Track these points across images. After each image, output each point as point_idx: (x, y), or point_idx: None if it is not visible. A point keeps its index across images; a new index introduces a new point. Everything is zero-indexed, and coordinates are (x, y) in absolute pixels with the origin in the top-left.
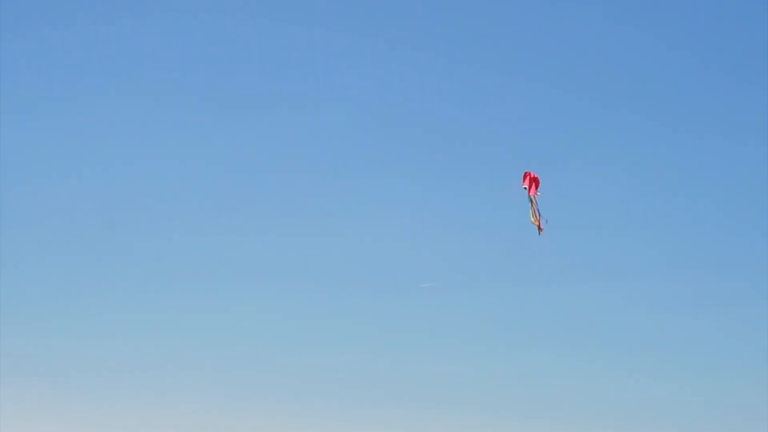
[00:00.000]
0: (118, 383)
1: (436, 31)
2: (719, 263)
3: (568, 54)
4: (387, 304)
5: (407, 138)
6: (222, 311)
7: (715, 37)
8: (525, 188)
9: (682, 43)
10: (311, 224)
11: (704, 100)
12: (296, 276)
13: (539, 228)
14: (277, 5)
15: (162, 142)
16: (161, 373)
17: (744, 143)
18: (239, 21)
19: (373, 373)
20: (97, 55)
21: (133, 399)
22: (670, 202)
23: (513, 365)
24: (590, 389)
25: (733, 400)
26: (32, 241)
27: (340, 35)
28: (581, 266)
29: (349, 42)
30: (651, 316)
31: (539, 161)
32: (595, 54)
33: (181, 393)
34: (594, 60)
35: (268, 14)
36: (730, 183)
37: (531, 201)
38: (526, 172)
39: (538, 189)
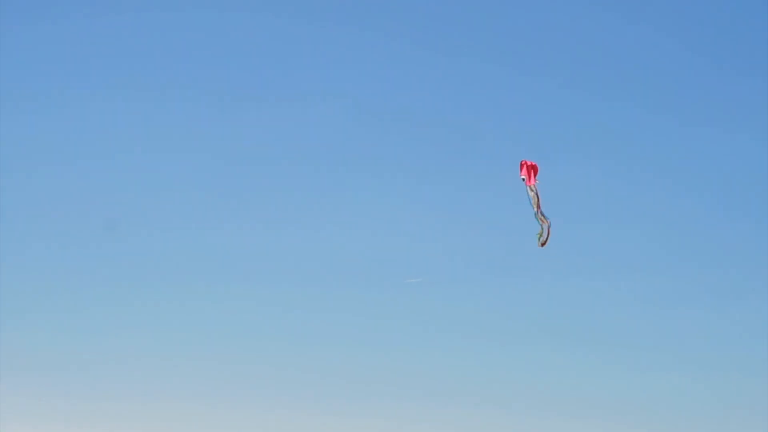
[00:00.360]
0: (118, 379)
1: (432, 24)
2: (719, 256)
3: (565, 47)
4: (383, 298)
5: (403, 132)
6: (215, 305)
7: (712, 29)
8: (523, 179)
9: (680, 36)
10: (306, 218)
11: (703, 92)
12: (290, 270)
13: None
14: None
15: (156, 137)
16: (159, 368)
17: (743, 136)
18: (234, 15)
19: (367, 368)
20: (93, 51)
21: (133, 395)
22: (669, 196)
23: (510, 360)
24: (588, 383)
25: (734, 394)
26: (28, 236)
27: (335, 29)
28: (578, 260)
29: (344, 36)
30: (650, 310)
31: (535, 155)
32: (593, 47)
33: (175, 387)
34: (591, 53)
35: (263, 8)
36: (730, 175)
37: (537, 209)
38: (522, 161)
39: (537, 177)
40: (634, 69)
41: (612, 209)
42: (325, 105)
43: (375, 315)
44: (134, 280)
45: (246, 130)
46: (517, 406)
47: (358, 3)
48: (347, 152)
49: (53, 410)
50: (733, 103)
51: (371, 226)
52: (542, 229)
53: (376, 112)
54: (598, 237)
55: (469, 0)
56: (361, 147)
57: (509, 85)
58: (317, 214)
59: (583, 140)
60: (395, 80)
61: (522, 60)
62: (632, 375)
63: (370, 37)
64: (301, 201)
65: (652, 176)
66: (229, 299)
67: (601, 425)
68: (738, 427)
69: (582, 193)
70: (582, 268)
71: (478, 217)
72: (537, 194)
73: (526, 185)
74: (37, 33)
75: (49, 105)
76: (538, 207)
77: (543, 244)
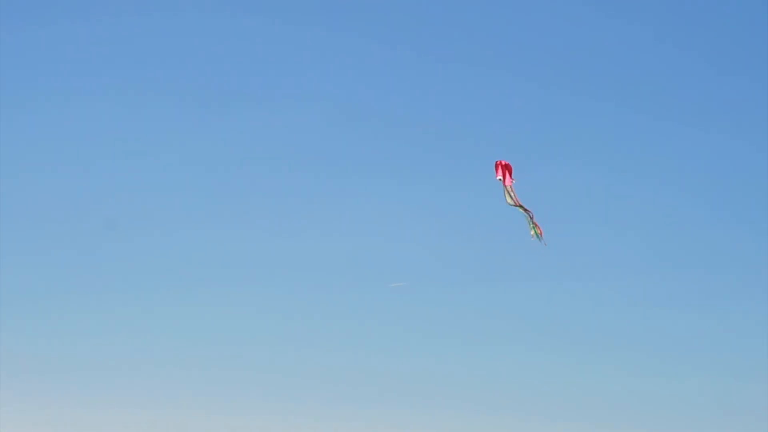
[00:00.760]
0: (117, 382)
1: (418, 28)
2: (714, 259)
3: (553, 49)
4: (367, 302)
5: (388, 136)
6: (200, 307)
7: (706, 30)
8: (500, 179)
9: (674, 37)
10: (290, 221)
11: (697, 94)
12: (273, 273)
13: (538, 234)
14: (259, 3)
15: (141, 140)
16: (157, 371)
17: (738, 138)
18: (222, 20)
19: (350, 372)
20: (88, 55)
21: (132, 397)
22: (664, 198)
23: (498, 363)
24: (580, 386)
25: (730, 396)
26: (26, 238)
27: (320, 33)
28: (570, 262)
29: (329, 39)
30: (643, 312)
31: (525, 158)
32: (584, 48)
33: (165, 388)
34: (583, 54)
35: (250, 13)
36: (725, 177)
37: (523, 209)
38: (497, 162)
39: (512, 176)
40: (627, 70)
41: (605, 211)
42: (309, 108)
43: (358, 319)
44: (127, 283)
45: (230, 133)
46: (506, 409)
47: (344, 7)
48: (332, 155)
49: (51, 411)
50: (728, 105)
51: (355, 230)
52: (529, 220)
53: (361, 116)
54: (590, 239)
55: (456, 3)
56: (346, 150)
57: (498, 88)
58: (302, 218)
59: (576, 142)
60: (380, 84)
61: (511, 61)
62: (625, 378)
63: (356, 40)
64: (285, 204)
65: (646, 178)
66: (213, 301)
67: (594, 428)
68: (734, 429)
69: (575, 195)
70: (574, 271)
71: (463, 220)
72: (514, 194)
73: (504, 186)
74: (36, 36)
75: (46, 107)
76: (519, 204)
77: (539, 236)
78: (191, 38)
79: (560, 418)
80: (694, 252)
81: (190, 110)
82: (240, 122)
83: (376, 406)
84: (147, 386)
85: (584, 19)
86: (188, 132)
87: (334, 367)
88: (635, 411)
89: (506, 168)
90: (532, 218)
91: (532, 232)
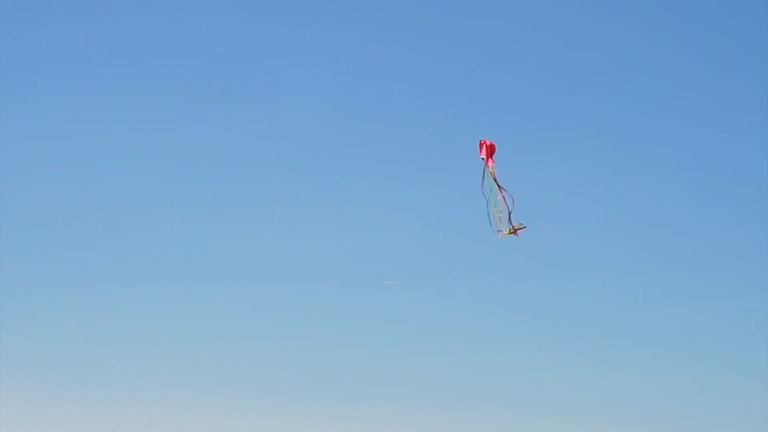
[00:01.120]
0: (116, 381)
1: (413, 26)
2: (708, 256)
3: (551, 48)
4: (361, 300)
5: (383, 134)
6: (201, 306)
7: (700, 27)
8: (483, 158)
9: (668, 34)
10: (284, 220)
11: (691, 91)
12: (267, 271)
13: (513, 230)
14: (253, 1)
15: (142, 139)
16: (154, 369)
17: (737, 136)
18: (215, 19)
19: (344, 370)
20: (84, 53)
21: (132, 397)
22: (657, 195)
23: (492, 361)
24: (575, 384)
25: (726, 394)
26: (25, 238)
27: (320, 30)
28: (564, 260)
29: (324, 37)
30: (637, 310)
31: (519, 155)
32: (581, 47)
33: (162, 387)
34: (578, 52)
35: (243, 11)
36: (719, 175)
37: (491, 199)
38: (481, 140)
39: (493, 157)
40: (622, 68)
41: (601, 209)
42: (306, 107)
43: (353, 317)
44: (125, 282)
45: (227, 132)
46: (502, 407)
47: (341, 6)
48: (326, 154)
49: (51, 410)
50: (726, 103)
51: (351, 228)
52: (498, 212)
53: (358, 115)
54: (587, 237)
55: (454, 2)
56: (342, 149)
57: (495, 87)
58: (298, 216)
59: (569, 140)
60: (377, 83)
61: (509, 60)
62: (622, 376)
63: (353, 39)
64: (282, 203)
65: (643, 176)
66: (209, 300)
67: (589, 426)
68: (732, 427)
69: (568, 192)
70: (570, 269)
71: (459, 218)
72: (495, 176)
73: (485, 166)
74: (36, 36)
75: (44, 106)
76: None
77: (513, 231)
78: (188, 37)
79: (558, 415)
80: (692, 250)
81: (187, 109)
82: (237, 121)
83: (371, 404)
84: (146, 385)
85: (581, 17)
86: (185, 131)
87: (329, 365)
88: (633, 409)
89: (490, 148)
90: (508, 211)
91: (504, 228)
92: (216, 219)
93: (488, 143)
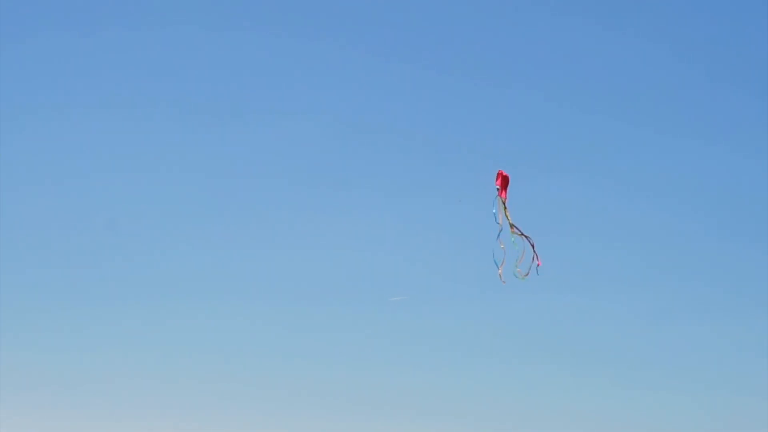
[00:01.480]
0: (115, 391)
1: (414, 40)
2: (713, 272)
3: (549, 61)
4: (366, 316)
5: (386, 148)
6: (203, 320)
7: (695, 39)
8: (498, 188)
9: (664, 47)
10: (287, 235)
11: (694, 106)
12: (271, 287)
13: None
14: (257, 15)
15: (144, 153)
16: (154, 382)
17: (738, 150)
18: (216, 32)
19: (349, 386)
20: (86, 66)
21: (129, 409)
22: (661, 211)
23: (496, 377)
24: (581, 400)
25: (731, 411)
26: (25, 250)
27: (323, 44)
28: (567, 276)
29: (332, 51)
30: (643, 327)
31: (522, 170)
32: (577, 59)
33: (169, 402)
34: (576, 65)
35: (245, 25)
36: (724, 190)
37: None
38: (499, 171)
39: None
40: (622, 81)
41: (602, 224)
42: (309, 121)
43: (358, 332)
44: (126, 295)
45: (225, 147)
46: (506, 422)
47: (345, 20)
48: (329, 168)
49: (51, 419)
50: (727, 117)
51: (355, 243)
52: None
53: (359, 128)
54: (588, 253)
55: (450, 15)
56: (343, 163)
57: (499, 101)
58: (299, 231)
59: (573, 155)
60: (380, 96)
61: (511, 74)
62: (625, 391)
63: (357, 53)
64: (282, 218)
65: (643, 191)
66: (211, 314)
67: None
68: None
69: (569, 208)
70: (573, 285)
71: (462, 233)
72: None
73: (498, 196)
74: (37, 48)
75: (45, 119)
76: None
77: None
78: (193, 50)
79: (560, 430)
80: (692, 266)
81: (191, 122)
82: (239, 135)
83: (375, 420)
84: (145, 398)
85: (581, 31)
86: (189, 144)
87: (333, 381)
88: (635, 425)
89: (505, 180)
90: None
91: (519, 269)
92: (220, 233)
93: (503, 174)
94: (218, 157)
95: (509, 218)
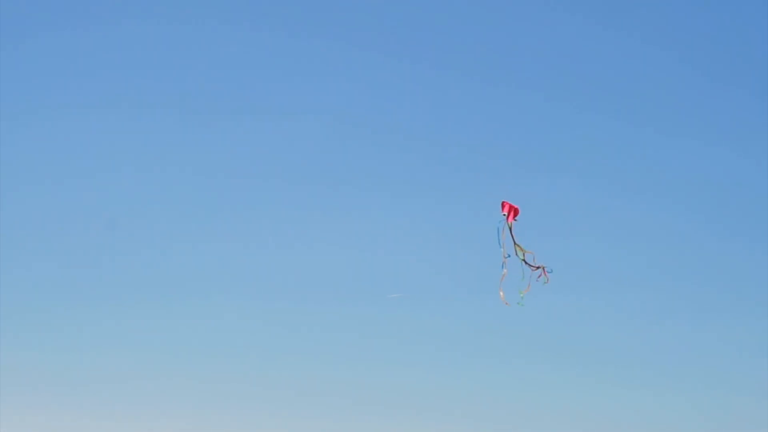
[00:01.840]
0: (115, 389)
1: (416, 38)
2: (712, 272)
3: (550, 60)
4: (365, 313)
5: (387, 147)
6: (201, 319)
7: (694, 37)
8: (504, 215)
9: (668, 47)
10: (287, 232)
11: (692, 105)
12: (270, 285)
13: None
14: (258, 13)
15: (141, 151)
16: (152, 381)
17: (736, 149)
18: (217, 29)
19: (347, 383)
20: (83, 63)
21: (129, 407)
22: (659, 210)
23: (494, 375)
24: (579, 399)
25: (729, 411)
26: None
27: (317, 43)
28: (566, 276)
29: (332, 49)
30: (642, 326)
31: (523, 169)
32: (582, 60)
33: (165, 400)
34: (576, 65)
35: (246, 22)
36: (722, 189)
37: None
38: (503, 202)
39: (516, 218)
40: (622, 81)
41: (600, 224)
42: (308, 119)
43: (356, 330)
44: (123, 294)
45: (226, 144)
46: (504, 421)
47: (341, 17)
48: (329, 166)
49: (50, 419)
50: (725, 116)
51: (353, 241)
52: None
53: (360, 127)
54: (587, 252)
55: (453, 14)
56: (344, 161)
57: (495, 100)
58: (299, 229)
59: (574, 155)
60: (379, 95)
61: (511, 73)
62: (623, 391)
63: (357, 51)
64: (282, 215)
65: (641, 190)
66: (209, 312)
67: None
68: None
69: (567, 207)
70: (571, 284)
71: (461, 231)
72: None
73: (507, 222)
74: (35, 46)
75: (40, 116)
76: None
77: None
78: (192, 47)
79: (558, 430)
80: (692, 265)
81: (189, 120)
82: (238, 133)
83: (372, 418)
84: (143, 395)
85: (579, 29)
86: (187, 142)
87: (330, 378)
88: (635, 424)
89: (512, 209)
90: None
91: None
92: (219, 231)
93: (511, 205)
94: (218, 155)
95: (521, 249)
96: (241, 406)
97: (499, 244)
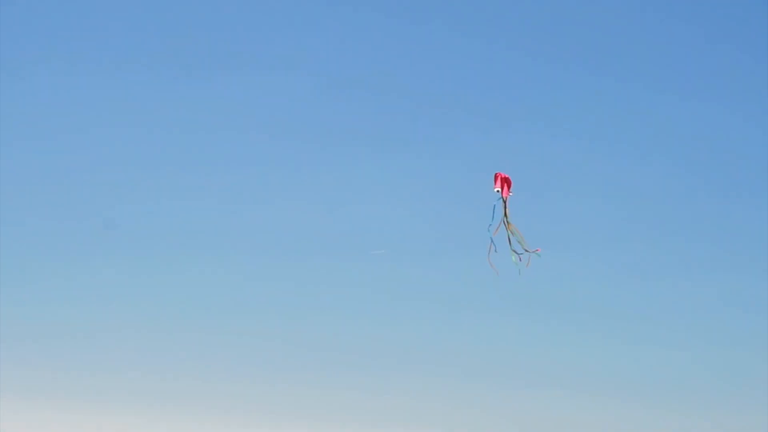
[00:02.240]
0: (104, 349)
1: None
2: (704, 228)
3: (535, 15)
4: (348, 269)
5: (370, 103)
6: (178, 276)
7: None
8: (498, 191)
9: (659, 3)
10: (269, 189)
11: (681, 62)
12: (252, 242)
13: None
14: None
15: (125, 107)
16: (147, 339)
17: (725, 105)
18: None
19: (331, 339)
20: (65, 19)
21: (121, 364)
22: (651, 166)
23: (479, 332)
24: (568, 354)
25: (726, 368)
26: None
27: None
28: (552, 232)
29: (320, 3)
30: (634, 282)
31: (507, 122)
32: (569, 16)
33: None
34: (561, 20)
35: None
36: (711, 146)
37: (507, 226)
38: (496, 173)
39: (511, 189)
40: (609, 37)
41: (589, 180)
42: (295, 75)
43: (339, 286)
44: (111, 253)
45: (209, 100)
46: (491, 376)
47: None
48: (313, 123)
49: (50, 411)
50: (714, 73)
51: (336, 197)
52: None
53: (343, 82)
54: (575, 208)
55: None
56: (327, 117)
57: (480, 56)
58: (281, 185)
59: (567, 111)
60: (362, 50)
61: (493, 29)
62: (615, 346)
63: (345, 6)
64: (265, 172)
65: (636, 148)
66: (194, 270)
67: (582, 395)
68: (729, 398)
69: (554, 164)
70: (558, 240)
71: (445, 188)
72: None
73: (502, 197)
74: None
75: (21, 73)
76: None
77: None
78: (178, 3)
79: (547, 385)
80: (686, 221)
81: (175, 76)
82: (223, 88)
83: (357, 373)
84: (136, 353)
85: None
86: (173, 98)
87: (314, 334)
88: (626, 380)
89: (505, 180)
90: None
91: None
92: (203, 187)
93: (503, 176)
94: (202, 111)
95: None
96: (226, 357)
97: (492, 224)
